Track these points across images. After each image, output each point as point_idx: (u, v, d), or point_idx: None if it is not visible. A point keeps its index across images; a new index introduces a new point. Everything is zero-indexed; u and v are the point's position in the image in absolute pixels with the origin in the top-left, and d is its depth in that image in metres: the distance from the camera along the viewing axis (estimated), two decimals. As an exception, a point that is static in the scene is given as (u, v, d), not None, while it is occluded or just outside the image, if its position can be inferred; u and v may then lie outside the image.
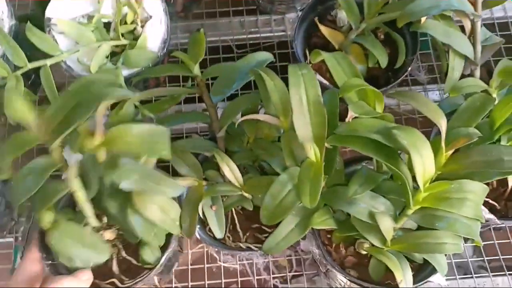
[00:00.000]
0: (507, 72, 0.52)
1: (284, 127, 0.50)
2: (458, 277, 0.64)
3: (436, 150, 0.47)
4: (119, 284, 0.55)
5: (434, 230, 0.47)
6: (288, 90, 0.48)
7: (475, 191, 0.46)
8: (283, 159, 0.50)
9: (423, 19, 0.55)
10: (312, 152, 0.47)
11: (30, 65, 0.64)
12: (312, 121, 0.47)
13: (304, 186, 0.44)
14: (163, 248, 0.56)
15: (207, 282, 0.66)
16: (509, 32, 0.79)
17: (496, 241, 0.66)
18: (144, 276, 0.56)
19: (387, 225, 0.48)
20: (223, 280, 0.66)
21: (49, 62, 0.65)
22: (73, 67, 0.68)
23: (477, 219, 0.46)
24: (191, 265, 0.68)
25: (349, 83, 0.50)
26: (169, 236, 0.56)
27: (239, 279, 0.67)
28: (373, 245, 0.50)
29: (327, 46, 0.67)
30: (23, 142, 0.49)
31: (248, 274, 0.67)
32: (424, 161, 0.44)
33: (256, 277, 0.67)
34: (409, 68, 0.62)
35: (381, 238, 0.49)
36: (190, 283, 0.67)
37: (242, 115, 0.55)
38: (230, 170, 0.52)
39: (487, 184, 0.58)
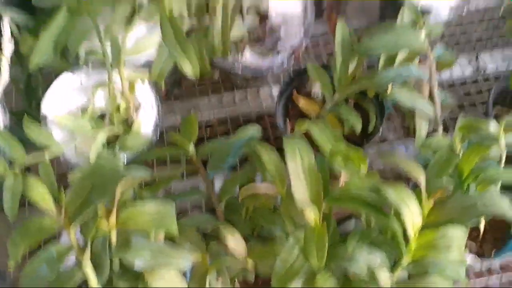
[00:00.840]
0: (466, 127, 0.60)
1: (281, 195, 0.56)
2: None
3: (418, 201, 0.53)
4: None
5: (427, 277, 0.53)
6: (281, 160, 0.54)
7: (457, 236, 0.52)
8: (283, 225, 0.56)
9: (389, 89, 0.64)
10: (312, 215, 0.52)
11: (28, 160, 0.67)
12: (309, 186, 0.53)
13: (311, 248, 0.49)
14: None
15: None
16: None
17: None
18: None
19: (385, 278, 0.53)
20: None
21: (48, 155, 0.69)
22: (71, 158, 0.72)
23: (463, 262, 0.52)
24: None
25: (337, 148, 0.56)
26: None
27: None
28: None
29: (304, 117, 0.74)
30: (40, 228, 0.52)
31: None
32: (412, 213, 0.50)
33: None
34: (380, 130, 0.70)
35: (381, 290, 0.53)
36: None
37: (239, 187, 0.61)
38: (235, 241, 0.56)
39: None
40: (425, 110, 0.64)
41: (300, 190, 0.52)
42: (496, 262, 0.73)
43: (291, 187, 0.52)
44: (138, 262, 0.52)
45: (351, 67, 0.67)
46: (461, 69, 0.90)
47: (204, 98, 0.92)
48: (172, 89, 0.91)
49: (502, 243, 0.65)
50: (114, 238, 0.54)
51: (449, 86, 0.89)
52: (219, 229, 0.57)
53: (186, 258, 0.54)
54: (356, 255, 0.53)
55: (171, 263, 0.53)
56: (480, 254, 0.64)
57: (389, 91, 0.64)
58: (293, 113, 0.77)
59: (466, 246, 0.64)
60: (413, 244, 0.51)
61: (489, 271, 0.74)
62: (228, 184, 0.61)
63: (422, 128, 0.64)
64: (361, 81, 0.66)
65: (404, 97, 0.64)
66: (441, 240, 0.51)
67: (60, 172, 0.69)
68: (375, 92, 0.66)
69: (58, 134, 0.73)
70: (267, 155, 0.57)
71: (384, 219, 0.51)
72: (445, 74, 0.89)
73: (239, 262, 0.57)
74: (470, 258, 0.60)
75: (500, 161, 0.61)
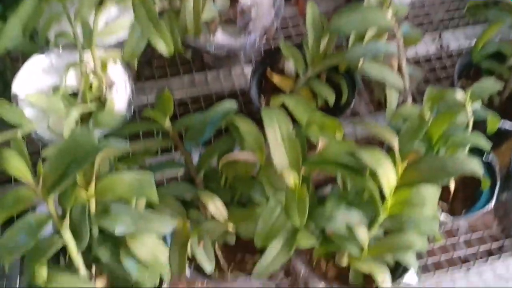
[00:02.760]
0: (435, 97, 0.63)
1: (261, 162, 0.57)
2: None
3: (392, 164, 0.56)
4: None
5: (403, 233, 0.55)
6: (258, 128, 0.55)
7: (430, 193, 0.54)
8: (263, 191, 0.57)
9: (360, 63, 0.66)
10: (292, 179, 0.54)
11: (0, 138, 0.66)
12: (288, 153, 0.54)
13: (292, 208, 0.51)
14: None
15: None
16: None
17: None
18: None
19: (363, 235, 0.55)
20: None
21: (20, 132, 0.68)
22: (44, 135, 0.71)
23: (436, 218, 0.55)
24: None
25: (313, 117, 0.58)
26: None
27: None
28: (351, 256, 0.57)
29: (278, 91, 0.76)
30: (19, 199, 0.52)
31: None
32: (387, 174, 0.52)
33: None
34: (352, 104, 0.73)
35: (359, 247, 0.56)
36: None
37: (218, 157, 0.62)
38: (215, 206, 0.57)
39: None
40: (395, 82, 0.67)
41: (279, 155, 0.54)
42: (465, 221, 0.77)
43: (271, 153, 0.54)
44: (119, 228, 0.53)
45: (322, 44, 0.69)
46: (426, 47, 0.94)
47: (176, 78, 0.92)
48: (143, 69, 0.91)
49: (471, 202, 0.69)
50: (93, 207, 0.55)
51: (415, 62, 0.93)
52: (198, 196, 0.58)
53: (168, 223, 0.55)
54: (335, 215, 0.55)
55: (152, 228, 0.54)
56: (451, 213, 0.68)
57: (360, 65, 0.66)
58: (267, 90, 0.78)
59: (438, 206, 0.68)
60: (389, 202, 0.53)
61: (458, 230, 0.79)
62: (207, 153, 0.62)
63: (392, 99, 0.66)
64: (333, 57, 0.68)
65: (375, 71, 0.66)
66: (415, 198, 0.54)
67: (32, 151, 0.68)
68: (346, 67, 0.68)
69: (29, 113, 0.71)
70: (245, 126, 0.58)
71: (361, 181, 0.53)
72: (411, 52, 0.93)
73: (220, 225, 0.58)
74: (442, 217, 0.64)
75: (467, 126, 0.64)
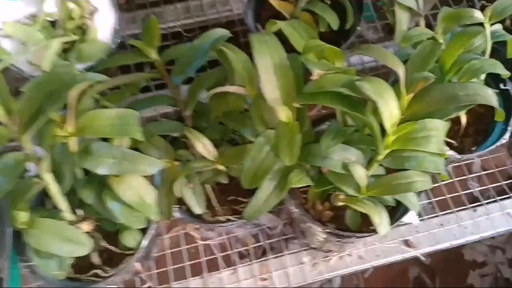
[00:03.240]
0: (450, 17, 0.56)
1: (251, 95, 0.52)
2: (426, 217, 0.69)
3: (397, 95, 0.50)
4: (103, 275, 0.55)
5: (404, 171, 0.51)
6: (250, 60, 0.49)
7: (437, 128, 0.49)
8: (254, 127, 0.52)
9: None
10: (284, 114, 0.49)
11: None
12: (280, 84, 0.48)
13: (282, 145, 0.46)
14: (143, 232, 0.57)
15: (187, 263, 0.68)
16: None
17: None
18: (127, 263, 0.56)
19: (360, 173, 0.50)
20: (204, 259, 0.68)
21: (-1, 65, 0.63)
22: (24, 69, 0.66)
23: (441, 155, 0.50)
24: (170, 249, 0.69)
25: (310, 44, 0.52)
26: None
27: (219, 254, 0.68)
28: (348, 195, 0.53)
29: (278, 17, 0.68)
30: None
31: (227, 248, 0.69)
32: (389, 107, 0.46)
33: (234, 250, 0.69)
34: (358, 28, 0.65)
35: (356, 186, 0.51)
36: (171, 267, 0.67)
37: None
38: (203, 145, 0.53)
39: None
40: (407, 1, 0.59)
41: (270, 88, 0.48)
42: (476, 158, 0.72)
43: (261, 85, 0.48)
44: (101, 169, 0.49)
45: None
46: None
47: (169, 5, 0.85)
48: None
49: (484, 137, 0.63)
50: (74, 146, 0.51)
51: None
52: (185, 134, 0.54)
53: (154, 164, 0.51)
54: (330, 153, 0.50)
55: (137, 169, 0.50)
56: (462, 149, 0.62)
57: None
58: (266, 16, 0.71)
59: (446, 143, 0.63)
60: (390, 138, 0.48)
61: (470, 171, 0.74)
62: (195, 87, 0.57)
63: (403, 20, 0.59)
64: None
65: (383, -13, 0.59)
66: (419, 133, 0.48)
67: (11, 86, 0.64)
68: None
69: (7, 45, 0.66)
70: (234, 54, 0.52)
71: (360, 114, 0.48)
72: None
73: (209, 165, 0.54)
74: (449, 153, 0.58)
75: (484, 52, 0.57)
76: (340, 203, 0.54)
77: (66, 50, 0.68)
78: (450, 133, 0.63)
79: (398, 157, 0.50)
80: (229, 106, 0.56)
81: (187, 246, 0.69)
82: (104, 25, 0.68)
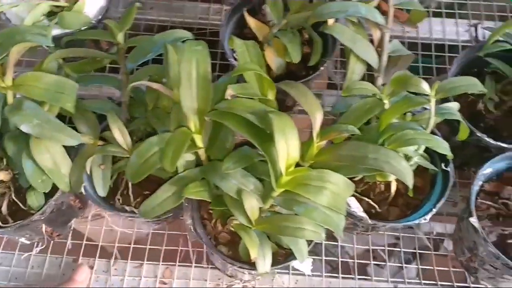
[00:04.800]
0: (399, 81, 0.54)
1: (176, 99, 0.52)
2: (324, 274, 0.66)
3: (310, 141, 0.49)
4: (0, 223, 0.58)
5: (296, 215, 0.50)
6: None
7: (336, 182, 0.48)
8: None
9: (330, 21, 0.58)
10: (192, 123, 0.49)
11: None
12: (198, 94, 0.49)
13: (168, 150, 0.47)
14: (49, 196, 0.58)
15: (101, 243, 0.69)
16: (443, 54, 0.82)
17: (371, 247, 0.69)
18: (27, 220, 0.58)
19: (252, 204, 0.50)
20: (117, 244, 0.69)
21: (-13, 9, 0.68)
22: (12, 19, 0.71)
23: (337, 212, 0.48)
24: (90, 224, 0.70)
25: (244, 66, 0.52)
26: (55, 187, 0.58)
27: (132, 245, 0.69)
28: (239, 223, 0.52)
29: (257, 39, 0.69)
30: None
31: (143, 241, 0.70)
32: (288, 147, 0.46)
33: (149, 246, 0.69)
34: (321, 68, 0.65)
35: (247, 216, 0.51)
36: (85, 242, 0.69)
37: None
38: (120, 133, 0.55)
39: (375, 186, 0.62)
40: (365, 54, 0.58)
41: (188, 95, 0.49)
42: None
43: (180, 91, 0.49)
44: (25, 127, 0.51)
45: (304, -7, 0.61)
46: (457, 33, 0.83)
47: (178, 2, 0.88)
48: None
49: (412, 212, 0.61)
50: (10, 99, 0.54)
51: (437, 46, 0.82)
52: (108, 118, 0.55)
53: (73, 137, 0.53)
54: (230, 175, 0.50)
55: (56, 137, 0.52)
56: (384, 218, 0.60)
57: (329, 23, 0.58)
58: (245, 33, 0.72)
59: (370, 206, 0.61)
60: (284, 177, 0.47)
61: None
62: (135, 76, 0.58)
63: (355, 71, 0.58)
64: (305, 10, 0.60)
65: (346, 35, 0.58)
66: (314, 181, 0.47)
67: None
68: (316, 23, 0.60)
69: (3, -1, 0.71)
70: (175, 56, 0.54)
71: (265, 146, 0.48)
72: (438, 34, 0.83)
73: (122, 152, 0.55)
74: (360, 214, 0.56)
75: (427, 126, 0.55)
76: (231, 228, 0.54)
77: (55, 14, 0.71)
78: (379, 198, 0.61)
79: (290, 199, 0.49)
80: (161, 103, 0.57)
81: (106, 228, 0.71)
82: (95, 1, 0.71)
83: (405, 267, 0.70)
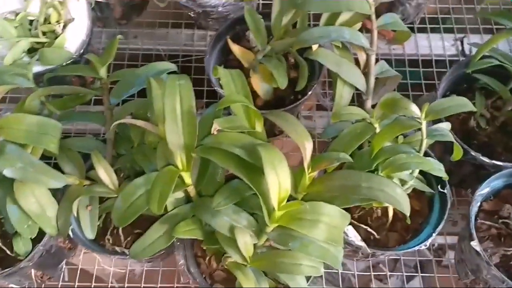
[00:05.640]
0: (388, 104, 0.53)
1: (161, 135, 0.51)
2: None
3: (301, 171, 0.48)
4: None
5: (292, 251, 0.48)
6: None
7: (331, 214, 0.46)
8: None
9: (314, 47, 0.57)
10: (179, 160, 0.48)
11: None
12: (183, 130, 0.48)
13: (155, 191, 0.45)
14: (37, 241, 0.56)
15: (93, 284, 0.66)
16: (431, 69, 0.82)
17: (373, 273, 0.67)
18: (15, 268, 0.55)
19: (245, 240, 0.48)
20: (110, 285, 0.67)
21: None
22: (-7, 58, 0.69)
23: (334, 245, 0.47)
24: (82, 265, 0.68)
25: (230, 98, 0.51)
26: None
27: (126, 285, 0.67)
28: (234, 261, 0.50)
29: (242, 65, 0.68)
30: None
31: (137, 280, 0.67)
32: (279, 180, 0.44)
33: (144, 285, 0.67)
34: (309, 92, 0.64)
35: (242, 254, 0.49)
36: (77, 283, 0.66)
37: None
38: (105, 172, 0.53)
39: (371, 212, 0.60)
40: (352, 78, 0.57)
41: (173, 131, 0.48)
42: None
43: (165, 126, 0.48)
44: (7, 171, 0.50)
45: (286, 19, 0.60)
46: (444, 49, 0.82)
47: (162, 30, 0.88)
48: (130, 13, 0.86)
49: (412, 236, 0.59)
50: None
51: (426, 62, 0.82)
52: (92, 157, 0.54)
53: (59, 178, 0.52)
54: (221, 212, 0.49)
55: (40, 180, 0.51)
56: (384, 244, 0.58)
57: (313, 49, 0.57)
58: (231, 60, 0.71)
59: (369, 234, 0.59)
60: (277, 212, 0.46)
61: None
62: (120, 112, 0.57)
63: (342, 96, 0.57)
64: (289, 35, 0.59)
65: (330, 59, 0.57)
66: (308, 215, 0.46)
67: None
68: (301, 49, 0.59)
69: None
70: (159, 91, 0.52)
71: (255, 181, 0.46)
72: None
73: (109, 193, 0.53)
74: (358, 243, 0.55)
75: (420, 148, 0.54)
76: (226, 267, 0.52)
77: (36, 50, 0.70)
78: (377, 224, 0.60)
79: (284, 234, 0.47)
80: (147, 139, 0.56)
81: (98, 267, 0.69)
82: (76, 35, 0.70)
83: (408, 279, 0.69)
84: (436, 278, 0.67)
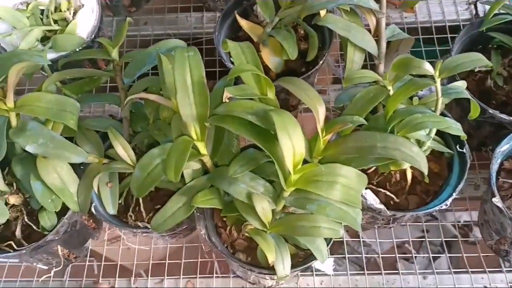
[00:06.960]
0: (400, 65, 0.53)
1: (175, 109, 0.51)
2: (349, 272, 0.64)
3: (316, 136, 0.48)
4: (15, 247, 0.57)
5: (311, 214, 0.48)
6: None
7: (347, 175, 0.46)
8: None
9: (322, 13, 0.57)
10: (193, 130, 0.48)
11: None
12: (195, 101, 0.48)
13: (170, 160, 0.45)
14: (62, 215, 0.58)
15: (120, 262, 0.68)
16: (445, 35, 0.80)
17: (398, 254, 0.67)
18: (41, 241, 0.57)
19: (263, 206, 0.49)
20: (135, 262, 0.68)
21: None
22: (7, 49, 0.71)
23: (352, 205, 0.47)
24: (107, 245, 0.70)
25: (240, 67, 0.51)
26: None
27: (151, 262, 0.68)
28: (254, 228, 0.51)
29: (252, 40, 0.68)
30: None
31: (161, 257, 0.68)
32: (293, 144, 0.44)
33: (168, 261, 0.68)
34: (321, 62, 0.63)
35: (261, 220, 0.49)
36: (104, 262, 0.68)
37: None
38: (123, 148, 0.54)
39: (390, 176, 0.60)
40: (362, 42, 0.57)
41: (186, 103, 0.48)
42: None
43: (177, 100, 0.48)
44: (29, 147, 0.51)
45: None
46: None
47: (171, 14, 0.88)
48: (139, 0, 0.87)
49: (432, 198, 0.59)
50: (13, 121, 0.53)
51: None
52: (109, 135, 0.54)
53: (79, 154, 0.53)
54: (238, 179, 0.49)
55: (61, 155, 0.52)
56: (404, 207, 0.58)
57: (321, 15, 0.57)
58: (240, 36, 0.71)
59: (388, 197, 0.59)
60: (293, 175, 0.46)
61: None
62: (133, 90, 0.57)
63: (354, 61, 0.57)
64: (296, 5, 0.59)
65: (340, 25, 0.56)
66: (324, 177, 0.46)
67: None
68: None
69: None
70: (170, 65, 0.53)
71: (269, 146, 0.46)
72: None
73: (128, 168, 0.54)
74: (377, 206, 0.54)
75: (436, 108, 0.53)
76: (247, 234, 0.53)
77: (49, 38, 0.71)
78: (396, 188, 0.59)
79: (301, 198, 0.47)
80: (162, 115, 0.56)
81: (123, 247, 0.70)
82: (86, 21, 0.71)
83: (435, 257, 0.68)
84: (464, 257, 0.66)
